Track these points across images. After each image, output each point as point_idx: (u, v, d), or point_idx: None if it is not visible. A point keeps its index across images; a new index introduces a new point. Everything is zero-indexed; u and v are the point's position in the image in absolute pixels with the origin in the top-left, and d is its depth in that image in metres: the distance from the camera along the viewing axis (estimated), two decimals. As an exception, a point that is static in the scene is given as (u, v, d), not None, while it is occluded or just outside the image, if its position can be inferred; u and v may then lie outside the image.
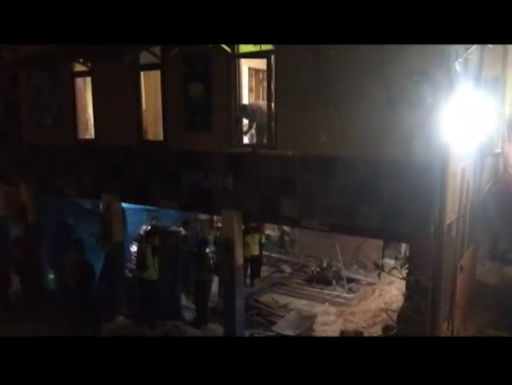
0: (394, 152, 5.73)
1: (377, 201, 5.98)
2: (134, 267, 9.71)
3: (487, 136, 7.89)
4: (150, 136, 8.61)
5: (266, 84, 7.33)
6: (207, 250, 9.50)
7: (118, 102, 8.43)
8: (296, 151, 6.54)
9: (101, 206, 9.67)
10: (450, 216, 6.35)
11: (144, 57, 7.84)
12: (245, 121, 7.83)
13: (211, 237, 11.76)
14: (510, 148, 10.14)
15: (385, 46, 5.30)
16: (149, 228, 10.15)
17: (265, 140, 7.30)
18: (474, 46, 5.90)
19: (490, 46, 6.76)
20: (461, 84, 5.91)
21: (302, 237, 12.48)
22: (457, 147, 6.11)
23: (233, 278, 7.67)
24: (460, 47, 5.66)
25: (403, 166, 5.69)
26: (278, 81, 6.64)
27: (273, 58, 6.61)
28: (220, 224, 11.13)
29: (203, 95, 7.37)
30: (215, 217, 12.56)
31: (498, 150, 9.10)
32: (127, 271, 9.93)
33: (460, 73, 5.73)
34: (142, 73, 8.24)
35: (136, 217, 10.81)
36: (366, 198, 6.06)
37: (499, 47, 7.99)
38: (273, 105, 6.75)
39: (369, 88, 5.76)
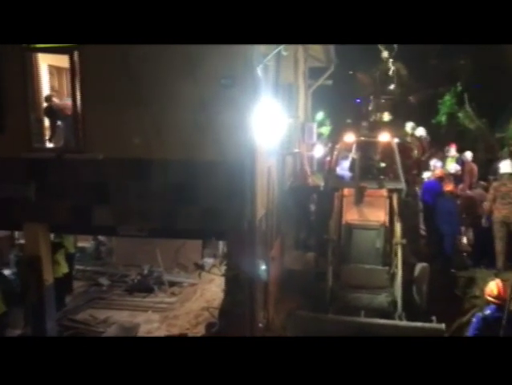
0: (207, 153, 5.93)
1: (194, 202, 6.10)
2: None
3: (286, 137, 8.78)
4: None
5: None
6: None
7: None
8: (107, 154, 6.22)
9: None
10: (260, 212, 6.86)
11: None
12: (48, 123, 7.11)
13: (12, 257, 10.33)
14: (304, 148, 11.53)
15: (194, 50, 5.44)
16: None
17: (72, 144, 6.73)
18: (271, 54, 6.49)
19: (284, 54, 7.54)
20: (263, 89, 6.44)
21: (120, 245, 11.92)
22: (262, 147, 6.62)
23: (41, 300, 6.90)
24: (260, 54, 6.16)
25: (216, 166, 5.93)
26: (83, 80, 6.22)
27: (76, 54, 6.14)
28: (22, 241, 9.84)
29: (-8, 93, 6.41)
30: (16, 233, 11.06)
31: (296, 150, 10.24)
32: None
33: (261, 78, 6.23)
34: None
35: None
36: (183, 199, 6.12)
37: (291, 56, 8.99)
38: (79, 105, 6.27)
39: (181, 90, 5.83)
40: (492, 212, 7.96)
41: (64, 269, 9.80)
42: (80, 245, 12.00)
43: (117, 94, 6.09)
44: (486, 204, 8.13)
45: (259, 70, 6.08)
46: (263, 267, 8.96)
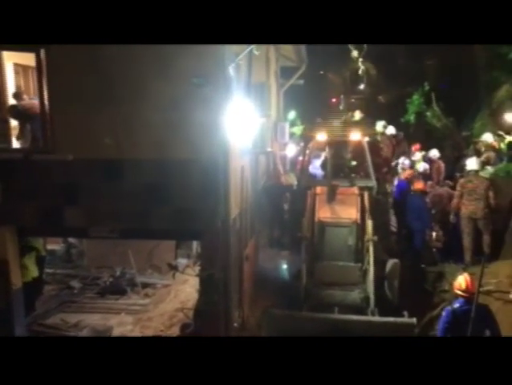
0: (180, 152, 5.88)
1: (167, 202, 6.04)
2: None
3: (259, 136, 8.81)
4: None
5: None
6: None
7: None
8: (78, 154, 6.09)
9: None
10: (234, 211, 6.86)
11: None
12: (16, 123, 6.92)
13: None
14: (277, 147, 11.60)
15: (165, 49, 5.38)
16: None
17: (40, 144, 6.56)
18: (243, 53, 6.49)
19: (256, 53, 7.56)
20: (235, 88, 6.44)
21: (91, 247, 11.69)
22: (235, 146, 6.62)
23: (9, 305, 6.71)
24: (231, 53, 6.15)
25: (189, 165, 5.89)
26: (51, 79, 6.07)
27: (43, 52, 5.99)
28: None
29: (-47, 92, 6.19)
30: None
31: (269, 149, 10.28)
32: None
33: (233, 77, 6.23)
34: None
35: None
36: (155, 199, 6.05)
37: (263, 56, 9.02)
38: (46, 105, 6.12)
39: (152, 89, 5.77)
40: (459, 208, 8.19)
41: (34, 272, 9.54)
42: (50, 247, 11.69)
43: (87, 93, 5.96)
44: (454, 201, 8.36)
45: (231, 69, 6.08)
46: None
